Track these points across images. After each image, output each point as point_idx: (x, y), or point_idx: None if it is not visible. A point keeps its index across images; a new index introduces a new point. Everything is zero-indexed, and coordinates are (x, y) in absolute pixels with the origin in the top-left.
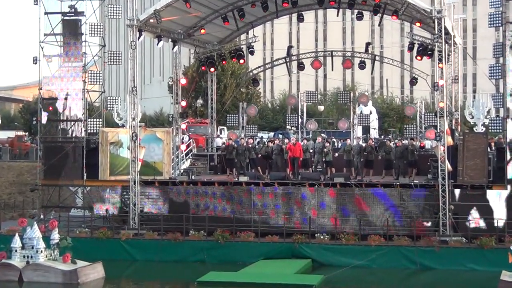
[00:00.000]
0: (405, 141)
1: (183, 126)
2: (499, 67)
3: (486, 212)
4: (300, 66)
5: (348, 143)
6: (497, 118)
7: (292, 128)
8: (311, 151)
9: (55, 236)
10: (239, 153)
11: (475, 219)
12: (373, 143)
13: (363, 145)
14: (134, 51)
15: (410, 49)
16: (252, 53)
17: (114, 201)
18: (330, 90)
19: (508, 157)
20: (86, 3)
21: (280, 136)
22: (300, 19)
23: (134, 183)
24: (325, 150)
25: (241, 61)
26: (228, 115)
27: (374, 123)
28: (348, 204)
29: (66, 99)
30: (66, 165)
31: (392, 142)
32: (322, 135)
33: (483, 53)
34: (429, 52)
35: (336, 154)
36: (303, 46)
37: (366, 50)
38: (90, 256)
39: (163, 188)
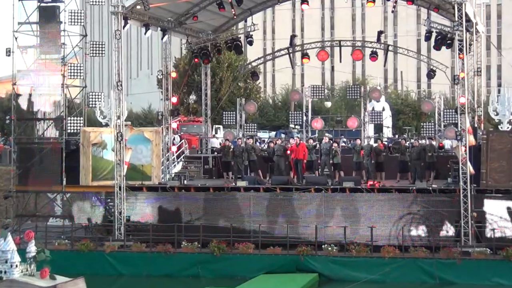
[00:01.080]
0: (422, 141)
1: (174, 125)
2: None
3: None
4: (305, 58)
5: (358, 143)
6: None
7: (296, 126)
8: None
9: (32, 248)
10: (236, 155)
11: (500, 228)
12: (382, 145)
13: (374, 145)
14: (119, 41)
15: (427, 38)
16: (250, 43)
17: (98, 209)
18: (338, 84)
19: None
20: None
21: (283, 135)
22: (305, 5)
23: (120, 189)
24: (333, 151)
25: (239, 52)
26: (224, 112)
27: (387, 120)
28: (358, 211)
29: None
30: (43, 169)
31: (408, 142)
32: (328, 134)
33: (509, 42)
34: (448, 42)
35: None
36: (308, 35)
37: (378, 40)
38: (71, 270)
39: (152, 194)
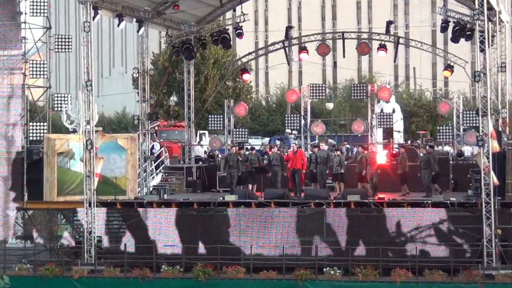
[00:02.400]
0: (439, 147)
1: (153, 130)
2: None
3: None
4: (303, 52)
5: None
6: None
7: (293, 132)
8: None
9: None
10: (231, 165)
11: None
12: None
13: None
14: (88, 34)
15: (444, 29)
16: (240, 35)
17: (64, 229)
18: (341, 82)
19: None
20: None
21: (278, 142)
22: None
23: (90, 205)
24: (335, 160)
25: (227, 46)
26: (210, 116)
27: (398, 124)
28: (365, 229)
29: None
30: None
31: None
32: (330, 140)
33: None
34: (468, 33)
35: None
36: (306, 26)
37: (388, 31)
38: None
39: (127, 211)
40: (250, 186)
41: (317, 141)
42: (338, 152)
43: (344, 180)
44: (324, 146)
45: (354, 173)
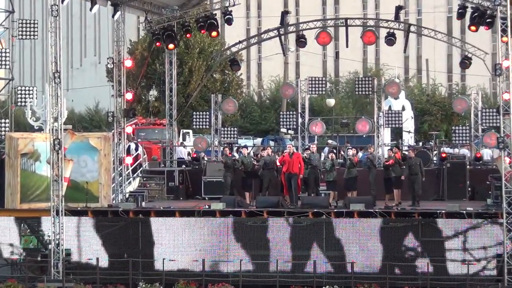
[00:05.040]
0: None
1: (129, 129)
2: None
3: None
4: (301, 41)
5: (371, 153)
6: None
7: (289, 132)
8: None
9: None
10: (229, 165)
11: None
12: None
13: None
14: (57, 19)
15: (461, 15)
16: (229, 22)
17: (28, 240)
18: (344, 76)
19: None
20: None
21: (272, 143)
22: None
23: (57, 214)
24: (327, 164)
25: (214, 33)
26: (194, 113)
27: (408, 123)
28: (370, 242)
29: None
30: None
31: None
32: (330, 141)
33: None
34: (487, 21)
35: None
36: (305, 12)
37: (397, 17)
38: None
39: (100, 220)
40: (247, 194)
41: (316, 142)
42: (332, 155)
43: (335, 188)
44: (314, 148)
45: (366, 180)
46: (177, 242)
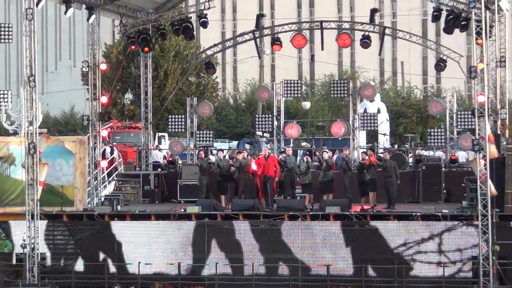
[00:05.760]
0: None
1: (105, 132)
2: None
3: None
4: (276, 44)
5: (346, 155)
6: None
7: (265, 134)
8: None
9: None
10: (204, 169)
11: None
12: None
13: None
14: (31, 23)
15: (436, 18)
16: (205, 25)
17: (3, 245)
18: (319, 79)
19: None
20: None
21: (247, 146)
22: None
23: (32, 218)
24: (302, 167)
25: (189, 37)
26: (170, 116)
27: (384, 126)
28: (347, 244)
29: None
30: None
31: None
32: (305, 144)
33: None
34: (462, 23)
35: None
36: (280, 15)
37: (372, 20)
38: None
39: (75, 224)
40: (222, 197)
41: (291, 144)
42: (307, 158)
43: (311, 191)
44: (290, 151)
45: (342, 182)
46: (153, 246)
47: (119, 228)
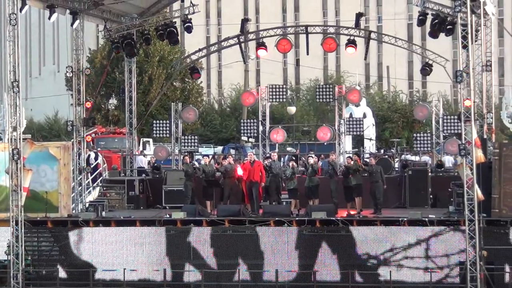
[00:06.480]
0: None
1: (89, 138)
2: None
3: None
4: (261, 49)
5: (333, 160)
6: None
7: (250, 140)
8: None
9: None
10: (189, 174)
11: None
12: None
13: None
14: (15, 28)
15: (421, 22)
16: (189, 30)
17: None
18: (305, 83)
19: None
20: None
21: (232, 151)
22: None
23: (16, 224)
24: (287, 172)
25: (174, 42)
26: (154, 121)
27: (369, 130)
28: (333, 250)
29: None
30: None
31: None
32: (290, 149)
33: None
34: (448, 27)
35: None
36: (265, 19)
37: (357, 25)
38: None
39: (59, 231)
40: (208, 203)
41: (277, 150)
42: (293, 164)
43: (296, 197)
44: (275, 156)
45: (328, 188)
46: (138, 252)
47: (103, 234)
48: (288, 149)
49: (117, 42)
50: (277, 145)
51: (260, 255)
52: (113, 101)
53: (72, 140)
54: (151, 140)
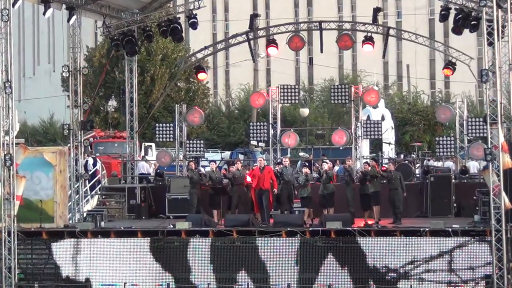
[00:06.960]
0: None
1: (87, 143)
2: None
3: None
4: (271, 46)
5: (349, 166)
6: None
7: (260, 144)
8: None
9: None
10: (194, 181)
11: None
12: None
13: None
14: (7, 24)
15: (444, 18)
16: (194, 26)
17: None
18: (318, 83)
19: None
20: None
21: (241, 156)
22: None
23: (9, 235)
24: (300, 179)
25: (178, 39)
26: (157, 124)
27: (388, 134)
28: (349, 263)
29: None
30: None
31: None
32: (303, 154)
33: None
34: (472, 23)
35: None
36: (276, 15)
37: (375, 20)
38: None
39: (55, 242)
40: (215, 212)
41: (289, 155)
42: (307, 170)
43: (310, 205)
44: (287, 162)
45: (343, 196)
46: (139, 265)
47: (102, 246)
48: (301, 154)
49: (117, 39)
50: (289, 149)
51: (268, 268)
52: (112, 102)
53: (69, 144)
54: (153, 144)
